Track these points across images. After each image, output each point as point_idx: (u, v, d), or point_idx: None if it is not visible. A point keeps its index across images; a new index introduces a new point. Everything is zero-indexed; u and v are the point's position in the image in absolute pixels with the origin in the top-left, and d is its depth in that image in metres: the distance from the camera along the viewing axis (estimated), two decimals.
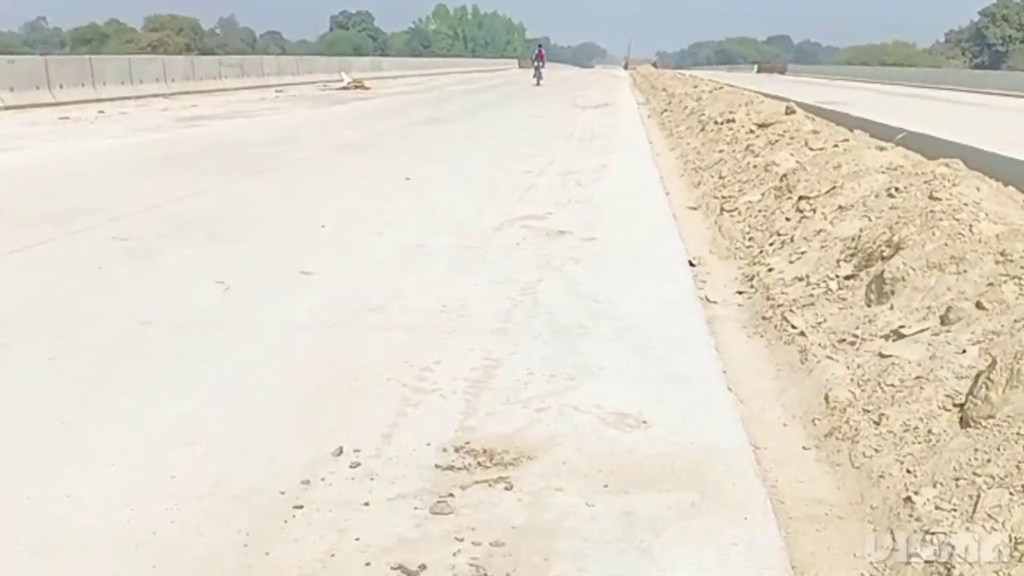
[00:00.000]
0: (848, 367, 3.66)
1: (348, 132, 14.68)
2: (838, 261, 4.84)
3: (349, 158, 11.39)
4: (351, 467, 2.90)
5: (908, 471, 2.81)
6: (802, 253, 5.31)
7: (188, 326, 4.34)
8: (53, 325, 4.28)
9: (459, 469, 2.92)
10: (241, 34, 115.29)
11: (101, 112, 17.59)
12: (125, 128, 14.60)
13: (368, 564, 2.39)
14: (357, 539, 2.49)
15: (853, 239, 4.93)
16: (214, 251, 5.91)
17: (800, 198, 6.28)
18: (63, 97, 19.02)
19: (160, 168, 9.76)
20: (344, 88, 30.03)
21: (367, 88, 30.52)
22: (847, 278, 4.58)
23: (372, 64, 44.57)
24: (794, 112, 10.78)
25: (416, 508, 2.67)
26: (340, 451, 2.98)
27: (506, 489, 2.79)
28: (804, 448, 3.29)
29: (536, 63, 40.72)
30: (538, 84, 38.71)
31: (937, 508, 2.53)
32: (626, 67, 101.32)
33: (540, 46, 41.92)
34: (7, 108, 17.05)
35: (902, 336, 3.64)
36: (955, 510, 2.49)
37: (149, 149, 11.59)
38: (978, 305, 3.52)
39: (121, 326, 4.29)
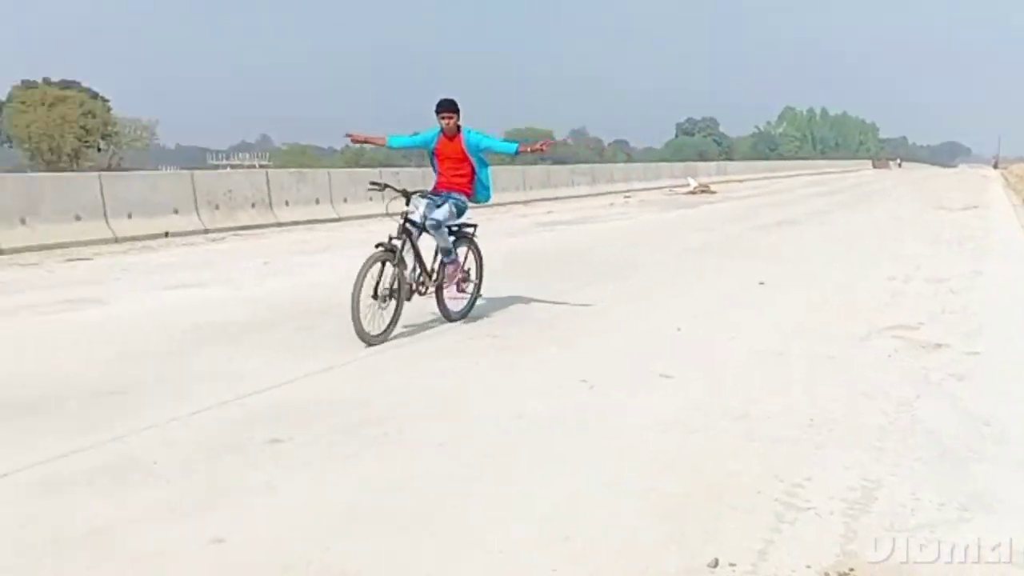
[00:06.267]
0: None
1: (696, 235, 14.82)
2: None
3: (699, 261, 11.47)
4: None
5: None
6: None
7: (556, 421, 4.56)
8: (440, 414, 4.69)
9: None
10: (590, 143, 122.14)
11: None
12: (491, 232, 15.91)
13: None
14: None
15: None
16: (574, 351, 6.17)
17: None
18: None
19: (521, 270, 10.46)
20: (690, 192, 30.50)
21: (713, 192, 30.77)
22: None
23: (717, 168, 44.90)
24: None
25: None
26: (716, 563, 2.91)
27: None
28: None
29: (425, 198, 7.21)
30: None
31: None
32: (995, 166, 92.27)
33: (450, 104, 7.05)
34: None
35: None
36: None
37: (511, 253, 12.49)
38: None
39: (497, 418, 4.61)
